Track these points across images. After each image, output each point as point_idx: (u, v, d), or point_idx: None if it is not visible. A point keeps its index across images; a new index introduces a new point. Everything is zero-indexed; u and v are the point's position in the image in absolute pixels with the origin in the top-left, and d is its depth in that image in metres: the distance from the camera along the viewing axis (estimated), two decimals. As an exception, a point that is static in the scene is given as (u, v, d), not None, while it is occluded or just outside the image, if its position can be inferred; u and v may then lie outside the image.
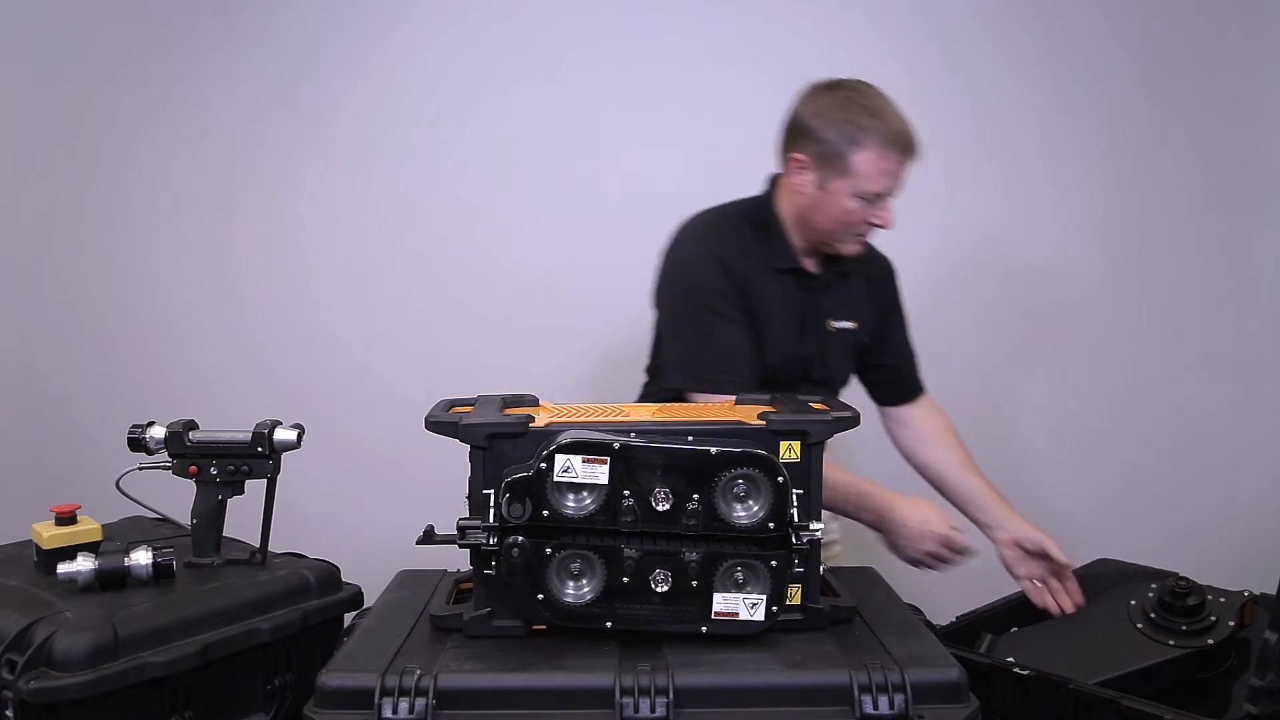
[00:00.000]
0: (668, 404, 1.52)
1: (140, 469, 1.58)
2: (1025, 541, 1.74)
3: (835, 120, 1.65)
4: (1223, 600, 1.63)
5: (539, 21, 2.50)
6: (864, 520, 1.65)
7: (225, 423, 1.59)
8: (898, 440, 1.92)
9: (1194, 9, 2.49)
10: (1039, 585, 1.62)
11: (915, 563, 1.65)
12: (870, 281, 1.85)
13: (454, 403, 1.42)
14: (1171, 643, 1.60)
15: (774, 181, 1.79)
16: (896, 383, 1.91)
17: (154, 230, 2.56)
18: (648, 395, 1.85)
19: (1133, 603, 1.68)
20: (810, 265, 1.77)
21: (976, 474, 1.84)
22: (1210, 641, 1.59)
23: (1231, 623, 1.60)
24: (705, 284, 1.67)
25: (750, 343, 1.68)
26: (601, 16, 2.51)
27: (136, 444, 1.55)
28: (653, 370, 1.86)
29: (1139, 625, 1.64)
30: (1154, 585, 1.68)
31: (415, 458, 2.32)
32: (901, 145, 1.65)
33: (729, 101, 2.52)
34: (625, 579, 1.23)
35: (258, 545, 1.58)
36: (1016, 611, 1.83)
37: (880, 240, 2.54)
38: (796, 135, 1.70)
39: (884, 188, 1.67)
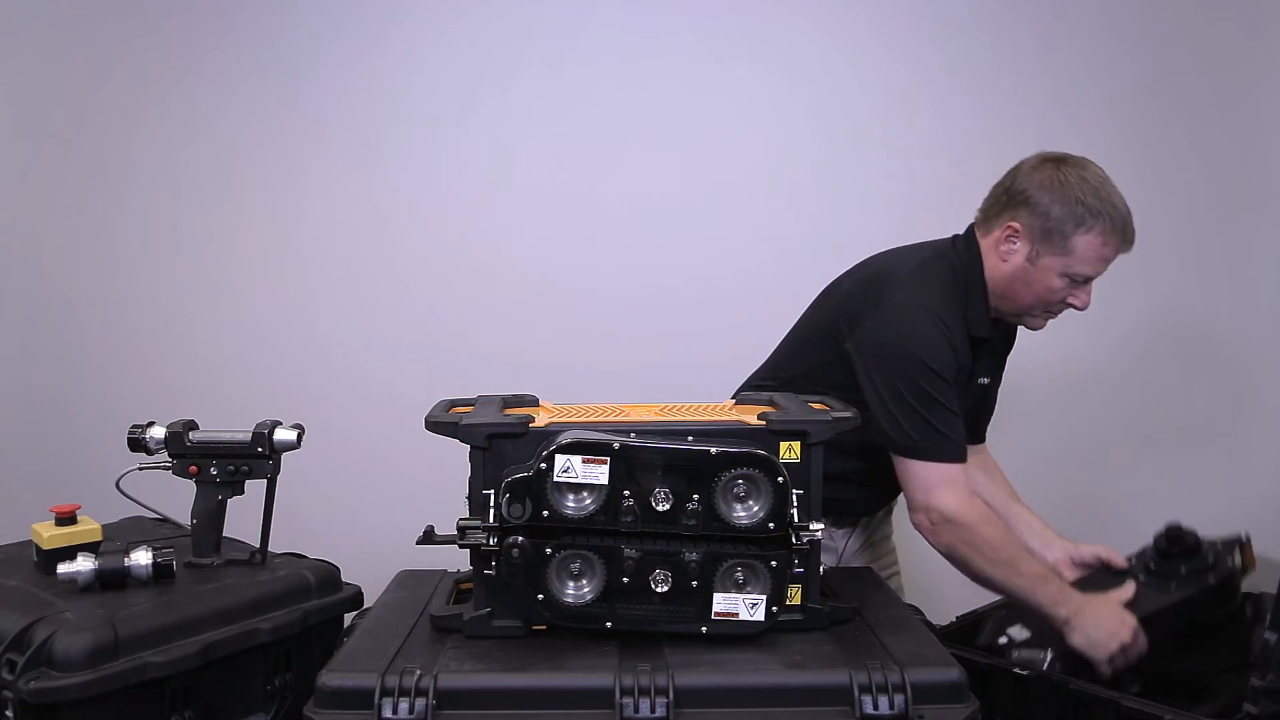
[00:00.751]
0: (668, 404, 1.53)
1: (140, 469, 1.58)
2: (1083, 558, 1.76)
3: (1065, 198, 1.61)
4: (1220, 544, 1.64)
5: (539, 20, 2.50)
6: (1041, 612, 1.58)
7: (225, 423, 1.59)
8: None
9: (1194, 9, 2.49)
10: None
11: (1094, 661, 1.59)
12: (1006, 339, 1.84)
13: (454, 403, 1.42)
14: (1174, 586, 1.60)
15: (970, 235, 1.74)
16: (979, 424, 1.90)
17: (154, 230, 2.56)
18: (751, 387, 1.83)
19: (1133, 560, 1.69)
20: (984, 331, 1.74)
21: (1022, 504, 1.87)
22: (1211, 580, 1.59)
23: (1231, 561, 1.60)
24: (937, 359, 1.58)
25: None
26: (602, 14, 2.51)
27: (136, 444, 1.55)
28: (770, 376, 1.83)
29: (1140, 578, 1.65)
30: (1151, 539, 1.69)
31: (415, 458, 2.32)
32: (1124, 235, 1.63)
33: (730, 100, 2.52)
34: (625, 579, 1.23)
35: (258, 545, 1.58)
36: (1016, 612, 1.83)
37: (883, 233, 2.54)
38: (1017, 204, 1.65)
39: (1096, 272, 1.65)
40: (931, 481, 1.55)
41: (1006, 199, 1.67)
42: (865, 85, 2.52)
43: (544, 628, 1.27)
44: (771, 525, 1.22)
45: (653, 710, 1.12)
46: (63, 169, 2.55)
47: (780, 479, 1.21)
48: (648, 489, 1.21)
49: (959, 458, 1.58)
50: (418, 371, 2.45)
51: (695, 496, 1.21)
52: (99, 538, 1.48)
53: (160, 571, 1.42)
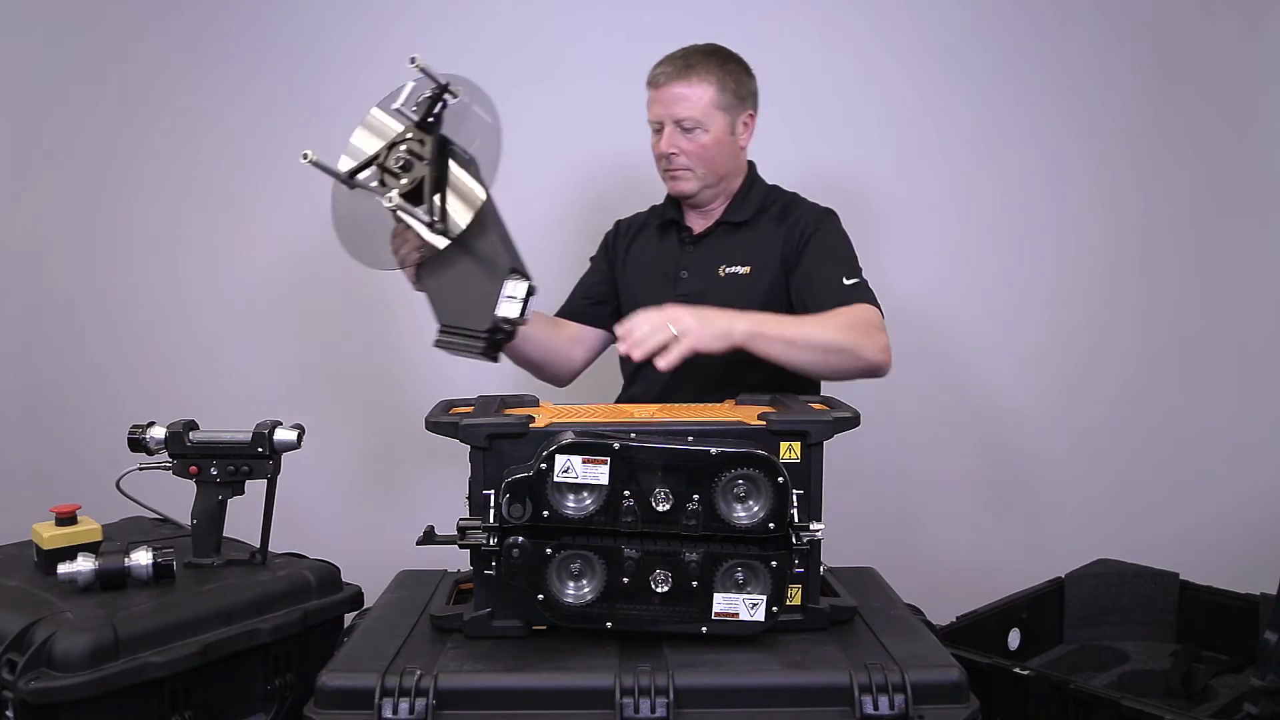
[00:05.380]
0: (668, 404, 1.53)
1: (141, 469, 1.58)
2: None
3: None
4: None
5: (539, 22, 2.50)
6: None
7: (225, 423, 1.59)
8: None
9: (1194, 10, 2.49)
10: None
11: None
12: (789, 228, 1.83)
13: (454, 403, 1.42)
14: None
15: None
16: (810, 302, 1.79)
17: (154, 230, 2.56)
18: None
19: None
20: (698, 222, 1.89)
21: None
22: None
23: None
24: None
25: (589, 282, 1.99)
26: (601, 17, 2.51)
27: (136, 444, 1.55)
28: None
29: None
30: None
31: (415, 458, 2.33)
32: (651, 80, 1.82)
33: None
34: (625, 579, 1.23)
35: (258, 545, 1.57)
36: (1016, 611, 1.83)
37: (883, 234, 2.54)
38: None
39: (654, 115, 1.82)
40: None
41: None
42: (864, 86, 2.52)
43: (544, 628, 1.28)
44: (772, 525, 1.22)
45: (653, 710, 1.12)
46: (63, 169, 2.55)
47: (780, 479, 1.21)
48: (648, 489, 1.21)
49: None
50: (418, 372, 2.46)
51: (695, 496, 1.21)
52: (99, 538, 1.48)
53: (160, 571, 1.42)
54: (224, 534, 1.57)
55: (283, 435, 1.56)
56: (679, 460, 1.21)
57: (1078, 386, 2.57)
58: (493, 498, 1.23)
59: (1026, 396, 2.56)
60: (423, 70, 1.45)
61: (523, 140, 2.50)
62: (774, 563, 1.23)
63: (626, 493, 1.21)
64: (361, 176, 1.50)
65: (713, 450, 1.22)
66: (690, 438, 1.25)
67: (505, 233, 1.54)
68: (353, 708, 1.13)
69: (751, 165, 1.93)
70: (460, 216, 1.47)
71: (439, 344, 1.51)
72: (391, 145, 1.49)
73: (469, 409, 1.38)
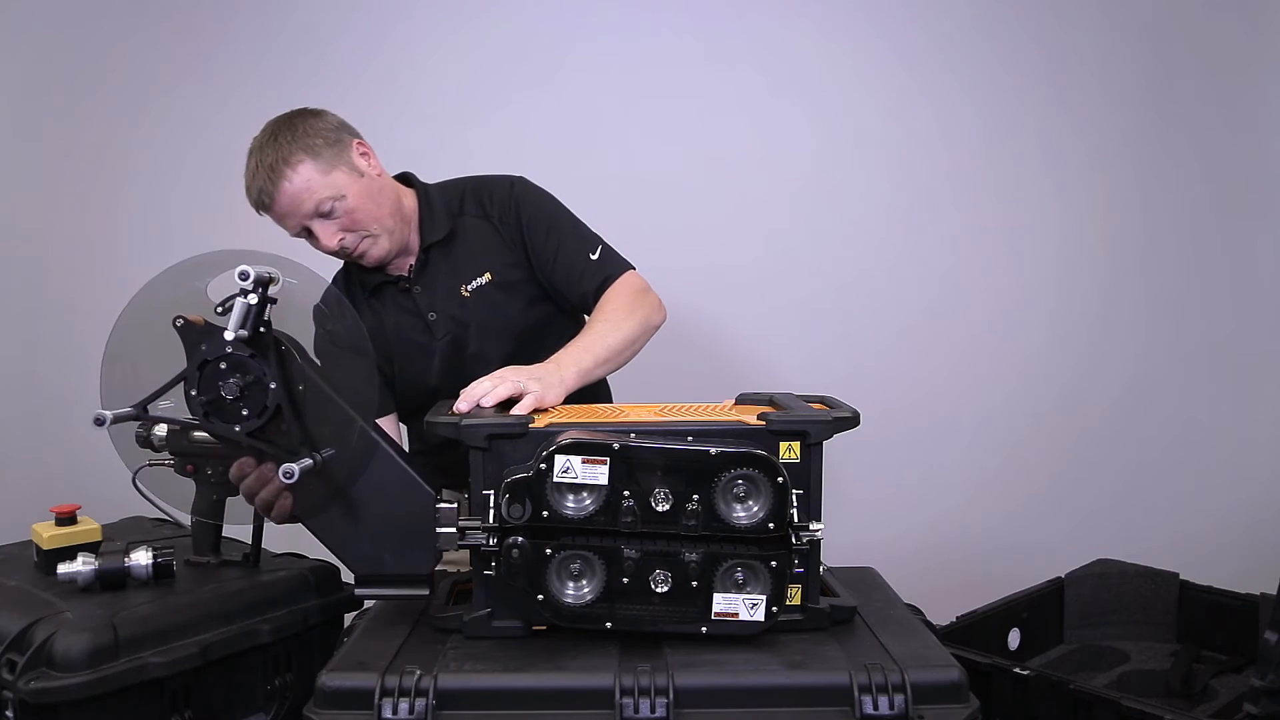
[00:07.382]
0: (668, 404, 1.53)
1: (150, 465, 1.58)
2: None
3: None
4: None
5: (538, 24, 2.50)
6: None
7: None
8: None
9: (1195, 9, 2.49)
10: None
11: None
12: (500, 220, 1.79)
13: (454, 403, 1.42)
14: None
15: None
16: (568, 291, 1.76)
17: (154, 230, 2.56)
18: None
19: None
20: (403, 263, 1.76)
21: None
22: None
23: None
24: None
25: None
26: (600, 19, 2.51)
27: (143, 441, 1.56)
28: None
29: None
30: None
31: (415, 458, 2.31)
32: (258, 205, 1.69)
33: (730, 101, 2.52)
34: (625, 579, 1.23)
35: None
36: (1016, 611, 1.83)
37: (887, 244, 2.54)
38: None
39: (292, 229, 1.70)
40: None
41: None
42: (866, 85, 2.52)
43: (544, 628, 1.28)
44: (771, 525, 1.22)
45: (653, 710, 1.12)
46: (63, 169, 2.55)
47: (780, 479, 1.21)
48: (647, 489, 1.21)
49: None
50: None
51: (695, 497, 1.21)
52: (99, 538, 1.48)
53: (160, 571, 1.42)
54: (231, 535, 1.57)
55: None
56: (678, 460, 1.21)
57: (1078, 386, 2.57)
58: (492, 498, 1.23)
59: (1027, 396, 2.56)
60: (255, 281, 1.20)
61: (524, 144, 2.53)
62: (774, 563, 1.23)
63: (626, 493, 1.21)
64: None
65: (712, 450, 1.22)
66: (690, 438, 1.25)
67: (398, 434, 1.31)
68: (353, 708, 1.13)
69: (409, 177, 1.83)
70: (347, 448, 1.25)
71: (362, 595, 1.33)
72: (202, 365, 1.23)
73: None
